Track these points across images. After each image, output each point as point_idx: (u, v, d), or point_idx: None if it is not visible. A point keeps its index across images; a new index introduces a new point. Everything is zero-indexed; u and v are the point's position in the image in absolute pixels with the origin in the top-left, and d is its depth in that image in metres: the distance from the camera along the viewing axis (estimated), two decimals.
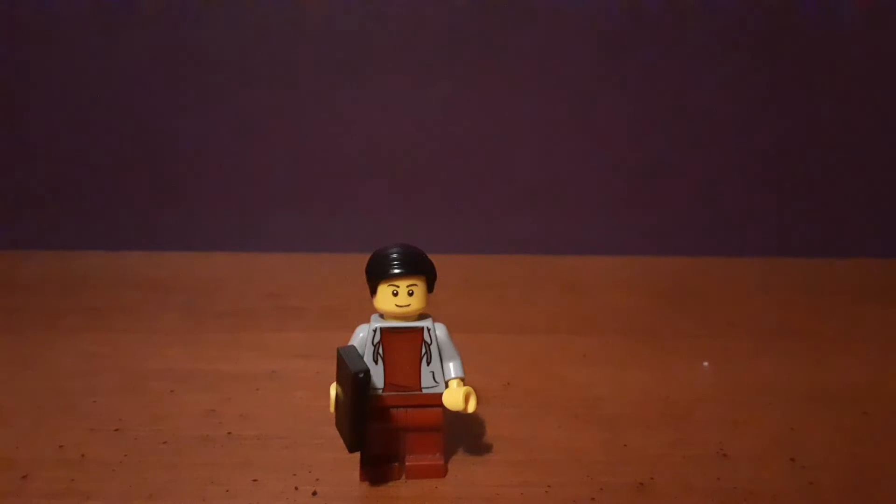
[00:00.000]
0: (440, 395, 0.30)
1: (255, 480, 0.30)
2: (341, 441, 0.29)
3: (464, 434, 0.34)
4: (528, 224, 0.65)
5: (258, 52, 0.61)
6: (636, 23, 0.61)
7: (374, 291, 0.29)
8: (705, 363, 0.42)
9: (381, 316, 0.30)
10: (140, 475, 0.31)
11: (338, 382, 0.29)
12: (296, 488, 0.30)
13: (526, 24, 0.61)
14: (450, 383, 0.30)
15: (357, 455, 0.30)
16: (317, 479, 0.30)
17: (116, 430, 0.34)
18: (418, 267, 0.29)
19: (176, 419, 0.35)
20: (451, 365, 0.30)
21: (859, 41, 0.61)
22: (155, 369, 0.41)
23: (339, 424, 0.30)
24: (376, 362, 0.30)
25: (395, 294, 0.29)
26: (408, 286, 0.29)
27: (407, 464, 0.30)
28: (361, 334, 0.30)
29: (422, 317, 0.30)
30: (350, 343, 0.30)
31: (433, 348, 0.30)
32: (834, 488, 0.30)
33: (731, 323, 0.49)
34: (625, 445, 0.33)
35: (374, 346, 0.29)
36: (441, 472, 0.31)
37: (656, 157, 0.64)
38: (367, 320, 0.30)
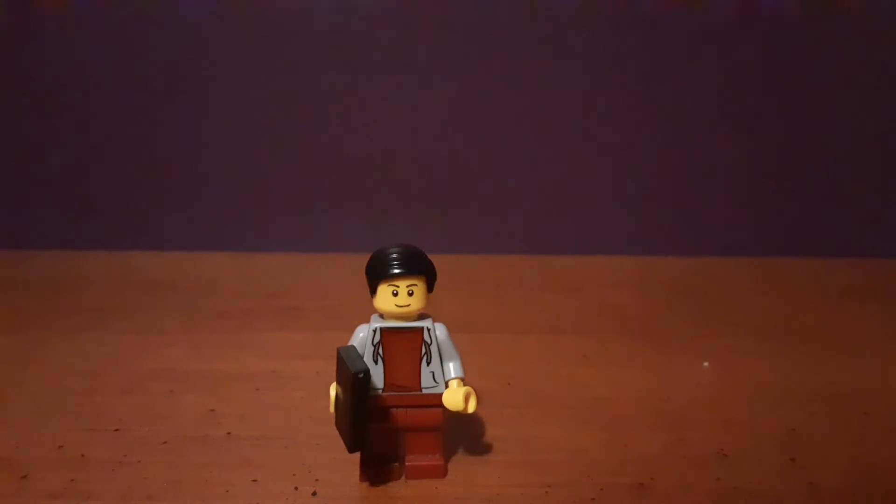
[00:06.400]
0: (440, 395, 0.30)
1: (254, 480, 0.30)
2: (341, 441, 0.29)
3: (464, 434, 0.34)
4: (528, 224, 0.65)
5: (259, 53, 0.61)
6: (636, 23, 0.61)
7: (373, 291, 0.29)
8: (705, 363, 0.42)
9: (381, 316, 0.30)
10: (140, 475, 0.31)
11: (338, 382, 0.29)
12: (296, 488, 0.30)
13: (526, 25, 0.61)
14: (450, 383, 0.30)
15: (357, 455, 0.30)
16: (316, 480, 0.30)
17: (116, 430, 0.34)
18: (418, 267, 0.29)
19: (176, 419, 0.35)
20: (451, 365, 0.30)
21: (859, 41, 0.61)
22: (155, 369, 0.41)
23: (339, 424, 0.30)
24: (376, 362, 0.30)
25: (395, 294, 0.29)
26: (408, 286, 0.29)
27: (407, 464, 0.30)
28: (361, 334, 0.30)
29: (422, 317, 0.30)
30: (350, 343, 0.30)
31: (433, 348, 0.30)
32: (834, 488, 0.30)
33: (731, 323, 0.49)
34: (625, 445, 0.33)
35: (374, 346, 0.29)
36: (441, 473, 0.31)
37: (656, 157, 0.64)
38: (367, 320, 0.30)
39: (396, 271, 0.29)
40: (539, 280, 0.59)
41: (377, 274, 0.29)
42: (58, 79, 0.62)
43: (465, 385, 0.30)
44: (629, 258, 0.64)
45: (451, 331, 0.30)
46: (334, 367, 0.29)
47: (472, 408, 0.29)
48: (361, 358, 0.29)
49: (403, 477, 0.30)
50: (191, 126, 0.63)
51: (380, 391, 0.30)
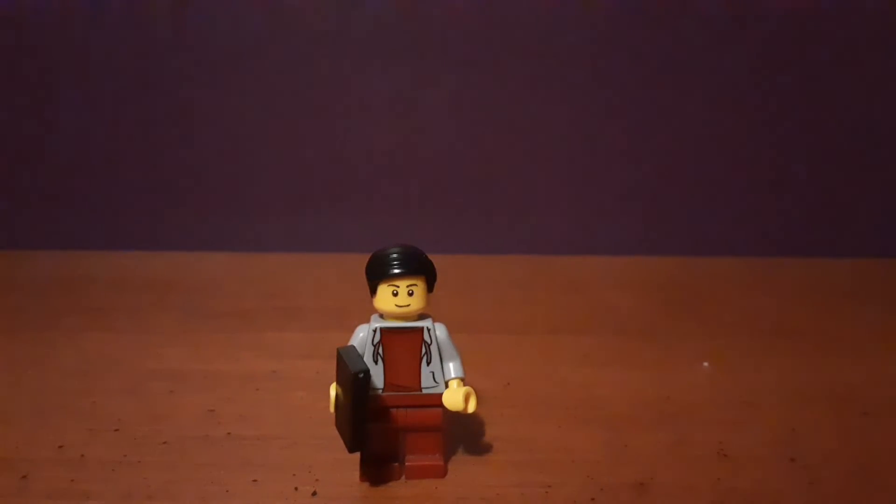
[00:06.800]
0: (440, 395, 0.30)
1: (254, 480, 0.30)
2: (341, 441, 0.29)
3: (464, 434, 0.34)
4: (528, 224, 0.65)
5: (258, 53, 0.61)
6: (637, 23, 0.61)
7: (373, 291, 0.29)
8: (705, 363, 0.42)
9: (381, 316, 0.30)
10: (140, 475, 0.31)
11: (338, 382, 0.29)
12: (296, 488, 0.30)
13: (526, 25, 0.61)
14: (450, 383, 0.30)
15: (357, 455, 0.30)
16: (317, 480, 0.30)
17: (116, 430, 0.34)
18: (418, 267, 0.29)
19: (176, 419, 0.35)
20: (451, 365, 0.30)
21: (858, 41, 0.61)
22: (155, 369, 0.41)
23: (339, 424, 0.30)
24: (376, 362, 0.30)
25: (395, 294, 0.29)
26: (408, 286, 0.29)
27: (407, 464, 0.30)
28: (361, 334, 0.30)
29: (422, 317, 0.30)
30: (350, 343, 0.30)
31: (433, 348, 0.30)
32: (834, 488, 0.30)
33: (731, 323, 0.49)
34: (625, 445, 0.33)
35: (374, 346, 0.29)
36: (441, 473, 0.31)
37: (656, 157, 0.64)
38: (367, 320, 0.30)
39: (396, 271, 0.29)
40: (539, 280, 0.59)
41: (377, 274, 0.29)
42: (58, 78, 0.62)
43: (465, 385, 0.30)
44: (629, 258, 0.64)
45: (451, 331, 0.30)
46: (334, 367, 0.29)
47: (472, 408, 0.29)
48: (361, 358, 0.29)
49: (403, 477, 0.30)
50: (191, 126, 0.63)
51: (380, 391, 0.30)
